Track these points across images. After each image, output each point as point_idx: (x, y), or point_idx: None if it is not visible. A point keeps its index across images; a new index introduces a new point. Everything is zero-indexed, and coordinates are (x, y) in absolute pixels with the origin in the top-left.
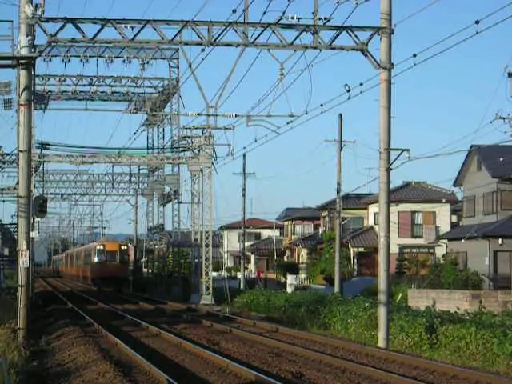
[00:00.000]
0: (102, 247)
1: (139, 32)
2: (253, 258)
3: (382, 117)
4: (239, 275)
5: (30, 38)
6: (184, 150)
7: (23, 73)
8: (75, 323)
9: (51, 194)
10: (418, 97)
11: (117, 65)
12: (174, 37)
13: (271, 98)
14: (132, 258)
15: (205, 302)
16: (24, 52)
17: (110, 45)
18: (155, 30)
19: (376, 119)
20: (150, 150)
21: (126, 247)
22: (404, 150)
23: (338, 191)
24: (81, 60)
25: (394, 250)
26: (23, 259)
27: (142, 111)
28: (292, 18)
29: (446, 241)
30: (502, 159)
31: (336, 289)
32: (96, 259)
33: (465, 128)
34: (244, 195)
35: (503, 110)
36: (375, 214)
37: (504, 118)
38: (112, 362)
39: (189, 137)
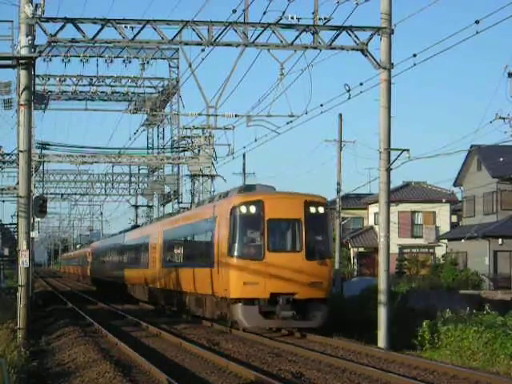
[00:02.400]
0: (253, 209)
1: (139, 32)
2: None
3: (381, 117)
4: None
5: (29, 38)
6: (184, 150)
7: (23, 73)
8: (75, 323)
9: (51, 193)
10: (418, 97)
11: (117, 65)
12: (174, 37)
13: (271, 98)
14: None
15: None
16: (24, 52)
17: (110, 45)
18: (155, 30)
19: (376, 119)
20: (150, 150)
21: (322, 209)
22: (404, 149)
23: (338, 191)
24: (81, 60)
25: (394, 250)
26: (23, 259)
27: (142, 111)
28: (292, 18)
29: (445, 241)
30: (501, 159)
31: (336, 289)
32: (238, 249)
33: (465, 128)
34: None
35: (503, 110)
36: (375, 213)
37: (504, 118)
38: (112, 361)
39: (189, 137)
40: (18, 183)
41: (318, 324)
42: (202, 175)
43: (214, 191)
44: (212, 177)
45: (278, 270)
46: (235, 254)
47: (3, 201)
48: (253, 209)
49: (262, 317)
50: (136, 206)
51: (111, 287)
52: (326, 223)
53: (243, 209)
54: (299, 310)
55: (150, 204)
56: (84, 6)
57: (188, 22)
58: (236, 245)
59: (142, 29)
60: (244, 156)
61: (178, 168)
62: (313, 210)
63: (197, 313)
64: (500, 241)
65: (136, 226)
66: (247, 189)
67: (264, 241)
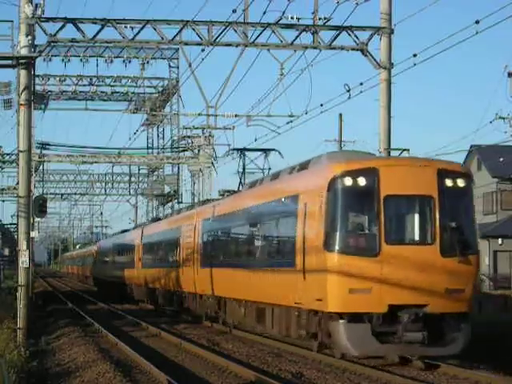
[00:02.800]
0: (362, 181)
1: (139, 32)
2: None
3: (381, 117)
4: None
5: (29, 38)
6: (184, 150)
7: (23, 73)
8: (75, 323)
9: (51, 194)
10: (418, 97)
11: (117, 65)
12: (174, 37)
13: (271, 98)
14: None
15: None
16: (24, 52)
17: (110, 45)
18: (155, 30)
19: (376, 119)
20: (150, 150)
21: (463, 182)
22: (404, 149)
23: None
24: (81, 60)
25: None
26: (23, 259)
27: (141, 111)
28: (292, 18)
29: None
30: (501, 159)
31: None
32: (340, 239)
33: (465, 128)
34: None
35: (503, 110)
36: None
37: (504, 118)
38: (112, 362)
39: (189, 137)
40: (17, 183)
41: (458, 350)
42: (255, 149)
43: (269, 169)
44: (266, 151)
45: (399, 271)
46: (336, 247)
47: (3, 201)
48: (362, 181)
49: (375, 340)
50: (156, 196)
51: (121, 290)
52: (468, 202)
53: (348, 181)
54: (430, 330)
55: (150, 204)
56: (84, 6)
57: (188, 21)
58: (337, 234)
59: (141, 29)
60: (244, 156)
61: (178, 168)
62: (450, 182)
63: (260, 329)
64: (500, 241)
65: (157, 219)
66: (342, 155)
67: (380, 228)
